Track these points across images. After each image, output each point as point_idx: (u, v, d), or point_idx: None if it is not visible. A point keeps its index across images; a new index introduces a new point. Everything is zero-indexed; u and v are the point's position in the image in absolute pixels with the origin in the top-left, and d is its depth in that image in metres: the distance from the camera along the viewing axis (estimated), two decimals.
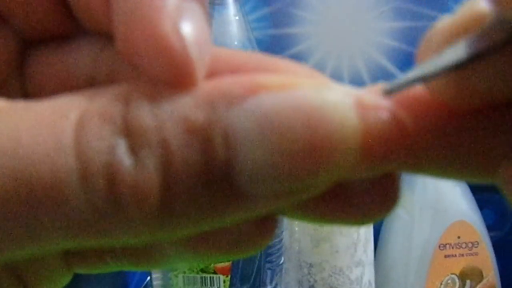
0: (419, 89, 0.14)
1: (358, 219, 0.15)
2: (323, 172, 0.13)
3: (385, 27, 0.67)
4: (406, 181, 0.58)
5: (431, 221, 0.58)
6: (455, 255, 0.57)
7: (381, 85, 0.14)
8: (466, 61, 0.13)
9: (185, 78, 0.13)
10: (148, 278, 0.58)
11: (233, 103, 0.13)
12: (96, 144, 0.13)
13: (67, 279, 0.18)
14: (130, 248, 0.17)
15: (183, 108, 0.13)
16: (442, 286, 0.57)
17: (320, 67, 0.67)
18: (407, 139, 0.14)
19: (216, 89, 0.13)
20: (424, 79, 0.13)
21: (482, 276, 0.58)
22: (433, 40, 0.14)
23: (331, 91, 0.13)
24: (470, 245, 0.57)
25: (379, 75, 0.68)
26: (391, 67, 0.68)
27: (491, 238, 0.59)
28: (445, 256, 0.57)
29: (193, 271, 0.52)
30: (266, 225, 0.16)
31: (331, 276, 0.54)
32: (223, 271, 0.52)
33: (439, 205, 0.58)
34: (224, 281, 0.52)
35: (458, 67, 0.13)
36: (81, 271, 0.18)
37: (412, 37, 0.66)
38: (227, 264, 0.51)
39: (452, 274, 0.57)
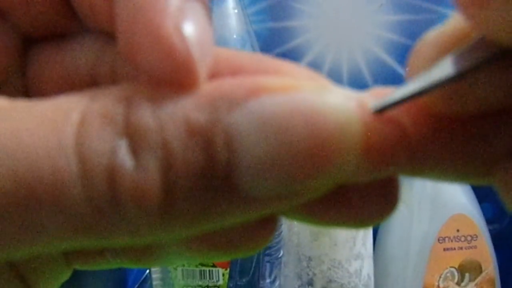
0: None
1: (357, 222, 0.15)
2: (323, 174, 0.13)
3: (384, 20, 0.67)
4: None
5: (430, 214, 0.58)
6: (454, 248, 0.57)
7: (371, 103, 0.14)
8: (453, 77, 0.13)
9: (187, 79, 0.13)
10: (147, 271, 0.58)
11: (235, 105, 0.13)
12: (97, 145, 0.13)
13: (67, 275, 0.18)
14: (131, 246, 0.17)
15: (185, 109, 0.13)
16: (441, 279, 0.57)
17: (319, 60, 0.67)
18: (407, 143, 0.14)
19: (217, 90, 0.13)
20: (413, 96, 0.14)
21: (481, 269, 0.58)
22: (422, 52, 0.14)
23: (332, 94, 0.13)
24: (469, 238, 0.57)
25: (378, 68, 0.68)
26: (390, 60, 0.67)
27: (490, 231, 0.59)
28: (444, 249, 0.57)
29: (192, 264, 0.52)
30: (266, 226, 0.16)
31: (330, 269, 0.54)
32: (222, 264, 0.52)
33: (438, 198, 0.58)
34: (223, 274, 0.52)
35: (446, 83, 0.13)
36: (81, 267, 0.18)
37: (411, 31, 0.66)
38: None
39: (451, 267, 0.57)
